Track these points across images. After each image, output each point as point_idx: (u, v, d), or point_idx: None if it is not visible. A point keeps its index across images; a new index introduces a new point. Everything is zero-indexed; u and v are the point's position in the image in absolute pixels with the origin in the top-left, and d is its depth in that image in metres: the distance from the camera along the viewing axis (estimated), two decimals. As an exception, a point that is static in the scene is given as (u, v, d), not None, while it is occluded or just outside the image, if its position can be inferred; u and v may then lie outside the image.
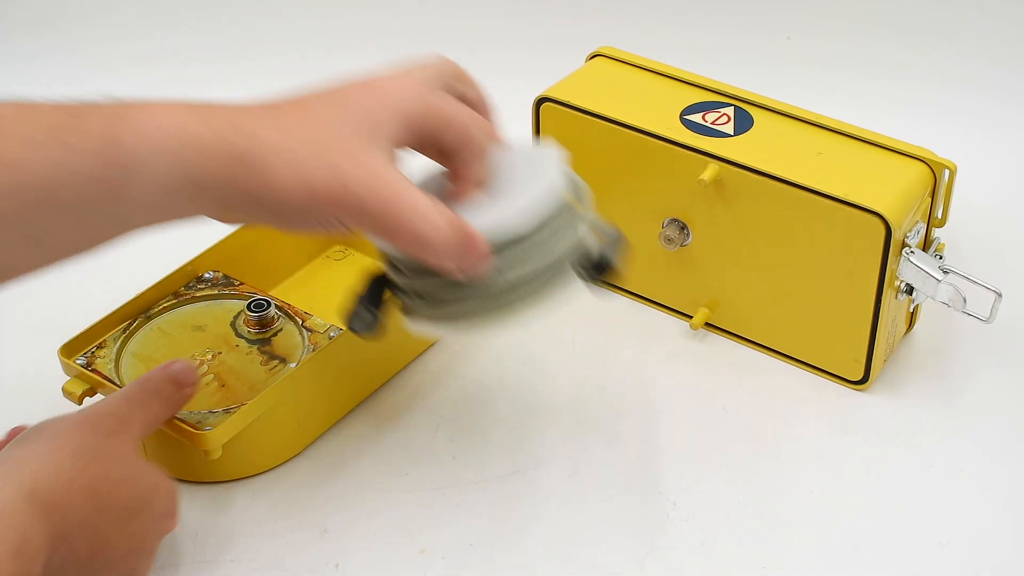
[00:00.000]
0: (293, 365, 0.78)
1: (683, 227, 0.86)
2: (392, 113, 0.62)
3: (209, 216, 0.61)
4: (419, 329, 0.70)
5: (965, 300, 0.79)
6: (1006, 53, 1.13)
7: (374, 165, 0.60)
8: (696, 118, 0.84)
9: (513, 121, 1.02)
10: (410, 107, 0.63)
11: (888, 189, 0.78)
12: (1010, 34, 1.12)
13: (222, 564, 0.72)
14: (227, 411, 0.74)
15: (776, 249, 0.82)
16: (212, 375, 0.78)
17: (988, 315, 0.81)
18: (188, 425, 0.72)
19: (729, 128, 0.83)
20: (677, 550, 0.73)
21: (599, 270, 0.69)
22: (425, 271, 0.66)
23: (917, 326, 0.88)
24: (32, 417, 0.81)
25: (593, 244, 0.69)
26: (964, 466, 0.78)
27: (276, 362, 0.79)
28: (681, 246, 0.86)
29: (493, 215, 0.66)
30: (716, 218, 0.84)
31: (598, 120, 0.85)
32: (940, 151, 0.81)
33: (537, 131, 0.89)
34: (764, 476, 0.77)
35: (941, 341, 0.88)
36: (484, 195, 0.68)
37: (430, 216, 0.61)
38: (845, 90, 1.12)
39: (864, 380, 0.83)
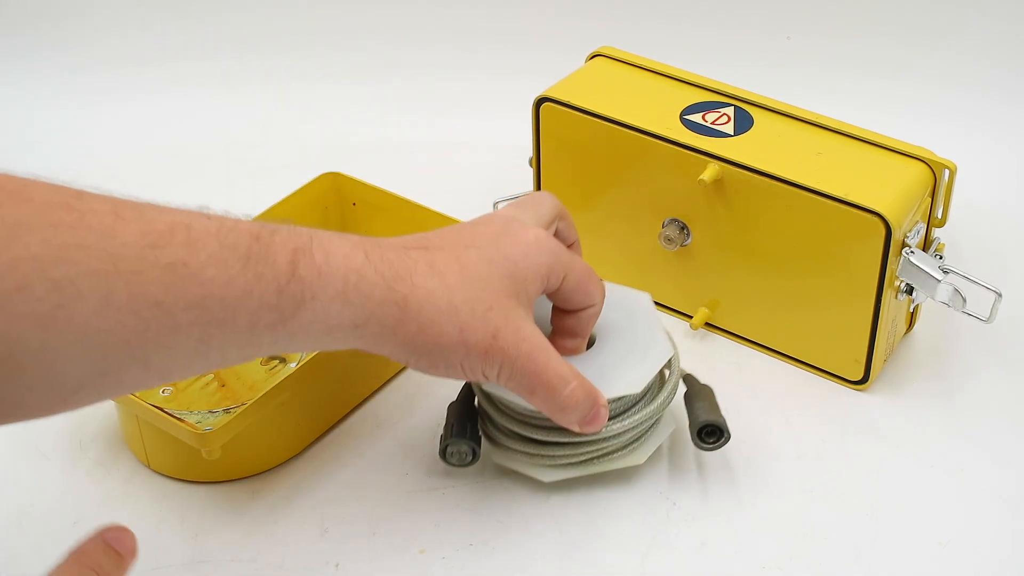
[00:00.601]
0: (293, 365, 0.78)
1: (683, 227, 0.86)
2: (535, 269, 0.67)
3: (354, 348, 0.63)
4: (504, 463, 0.76)
5: (965, 300, 0.79)
6: (1006, 53, 1.12)
7: (524, 326, 0.66)
8: (696, 118, 0.85)
9: (513, 121, 1.03)
10: (547, 263, 0.67)
11: (888, 189, 0.78)
12: (1010, 34, 1.12)
13: (222, 564, 0.72)
14: (227, 411, 0.74)
15: (776, 249, 0.82)
16: (212, 375, 0.78)
17: (988, 315, 0.80)
18: (188, 425, 0.72)
19: (729, 128, 0.84)
20: (677, 550, 0.73)
21: (711, 435, 0.76)
22: (537, 423, 0.73)
23: (917, 326, 0.88)
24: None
25: (701, 410, 0.76)
26: (964, 466, 0.78)
27: (276, 362, 0.79)
28: (681, 246, 0.86)
29: (612, 380, 0.72)
30: (716, 218, 0.84)
31: (598, 120, 0.85)
32: (940, 151, 0.81)
33: (537, 131, 0.89)
34: (764, 476, 0.77)
35: (941, 341, 0.88)
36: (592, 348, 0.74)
37: (571, 384, 0.67)
38: (845, 90, 1.12)
39: (864, 380, 0.83)
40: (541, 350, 0.66)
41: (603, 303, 0.73)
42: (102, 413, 0.81)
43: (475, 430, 0.76)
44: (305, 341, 0.60)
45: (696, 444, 0.76)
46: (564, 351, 0.72)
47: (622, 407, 0.74)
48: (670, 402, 0.76)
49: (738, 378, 0.85)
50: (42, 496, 0.76)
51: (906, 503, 0.76)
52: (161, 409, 0.73)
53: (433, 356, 0.64)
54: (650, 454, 0.76)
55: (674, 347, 0.76)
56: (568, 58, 0.95)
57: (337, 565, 0.72)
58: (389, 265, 0.62)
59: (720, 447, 0.76)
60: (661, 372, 0.77)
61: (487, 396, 0.76)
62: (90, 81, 1.18)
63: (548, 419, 0.71)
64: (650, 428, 0.76)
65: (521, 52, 1.17)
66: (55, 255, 0.50)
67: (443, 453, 0.75)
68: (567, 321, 0.72)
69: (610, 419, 0.73)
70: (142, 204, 0.55)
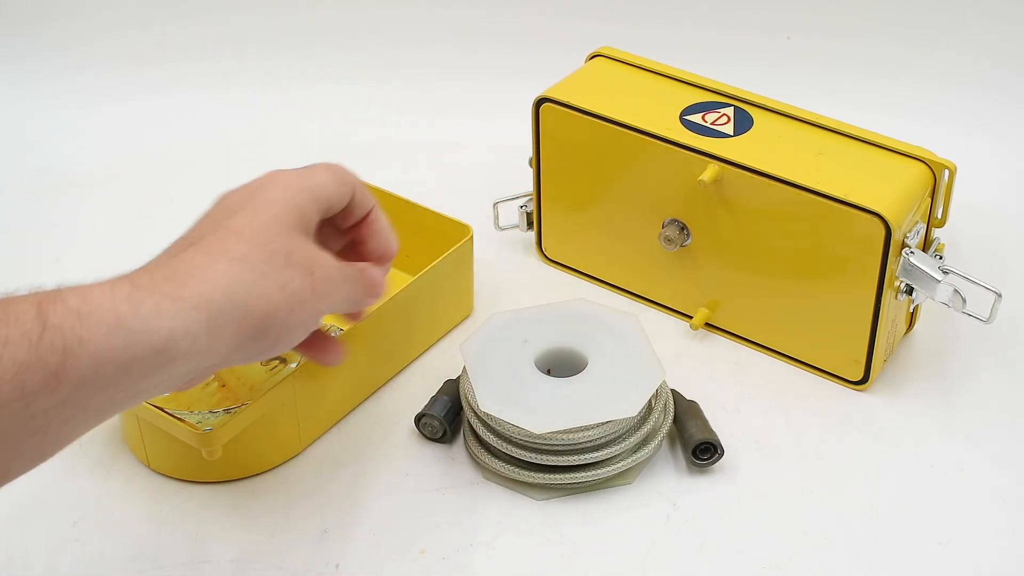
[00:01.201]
0: (294, 365, 0.78)
1: (683, 227, 0.86)
2: (298, 196, 0.63)
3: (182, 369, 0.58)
4: (491, 478, 0.77)
5: (965, 300, 0.79)
6: (1006, 53, 1.12)
7: (319, 251, 0.63)
8: (696, 118, 0.84)
9: (513, 121, 1.03)
10: (312, 186, 0.64)
11: (888, 189, 0.78)
12: (1010, 34, 1.12)
13: (222, 564, 0.72)
14: (228, 411, 0.74)
15: (776, 249, 0.82)
16: (212, 375, 0.78)
17: (988, 315, 0.80)
18: (189, 425, 0.72)
19: (729, 128, 0.83)
20: (677, 550, 0.73)
21: (705, 452, 0.77)
22: (532, 446, 0.74)
23: (917, 326, 0.88)
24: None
25: (694, 428, 0.78)
26: (964, 466, 0.78)
27: (276, 362, 0.79)
28: (681, 246, 0.86)
29: (606, 404, 0.74)
30: (716, 218, 0.84)
31: (598, 120, 0.85)
32: (940, 151, 0.81)
33: (537, 131, 0.89)
34: (764, 476, 0.77)
35: (941, 341, 0.88)
36: (588, 384, 0.76)
37: (360, 275, 0.66)
38: (845, 90, 1.12)
39: (864, 380, 0.83)
40: (344, 261, 0.65)
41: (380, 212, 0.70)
42: (102, 413, 0.81)
43: (454, 414, 0.79)
44: (104, 389, 0.54)
45: (691, 462, 0.77)
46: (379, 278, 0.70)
47: (614, 431, 0.74)
48: (663, 424, 0.77)
49: (738, 378, 0.85)
50: (42, 496, 0.76)
51: (906, 503, 0.76)
52: (162, 409, 0.73)
53: (269, 330, 0.60)
54: (639, 475, 0.77)
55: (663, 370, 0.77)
56: (568, 58, 0.95)
57: (337, 565, 0.72)
58: (165, 279, 0.57)
59: (714, 463, 0.77)
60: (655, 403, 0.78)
61: (480, 419, 0.76)
62: (90, 81, 1.18)
63: (543, 443, 0.73)
64: (640, 449, 0.77)
65: (521, 52, 1.17)
66: None
67: (417, 420, 0.79)
68: (364, 246, 0.70)
69: (603, 444, 0.74)
70: None
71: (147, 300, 0.55)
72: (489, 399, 0.74)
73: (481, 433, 0.76)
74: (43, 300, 0.53)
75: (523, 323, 0.79)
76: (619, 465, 0.76)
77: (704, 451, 0.77)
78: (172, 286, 0.56)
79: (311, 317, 0.62)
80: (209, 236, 0.60)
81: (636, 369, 0.76)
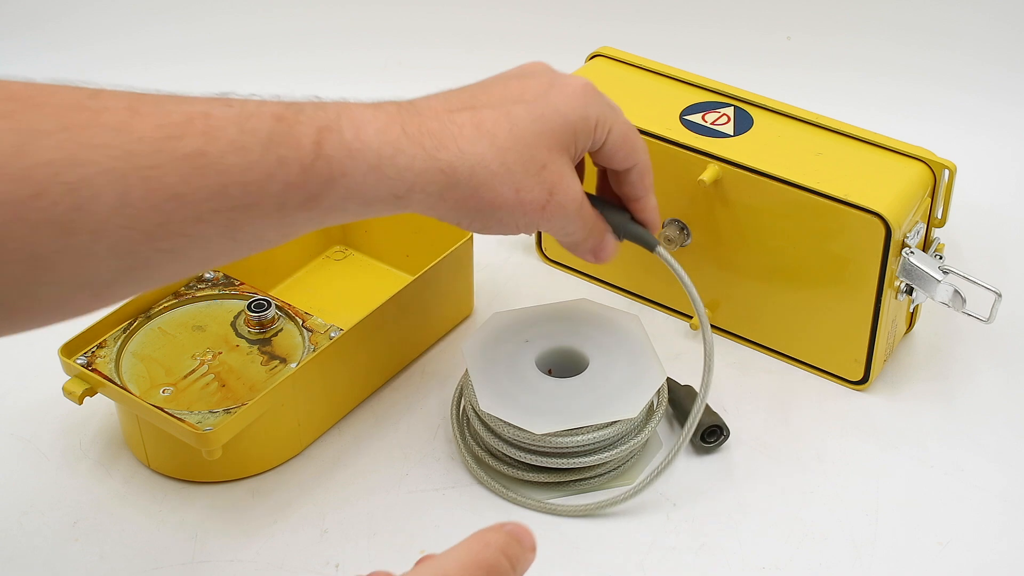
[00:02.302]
0: (294, 365, 0.78)
1: (683, 227, 0.86)
2: (585, 122, 0.67)
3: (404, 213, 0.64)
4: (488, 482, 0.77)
5: (965, 300, 0.79)
6: (1006, 53, 1.12)
7: (575, 182, 0.67)
8: (696, 118, 0.84)
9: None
10: (595, 115, 0.67)
11: (888, 189, 0.78)
12: (1010, 34, 1.12)
13: (222, 564, 0.72)
14: (227, 411, 0.74)
15: (776, 249, 0.82)
16: (212, 375, 0.78)
17: (988, 316, 0.80)
18: (188, 425, 0.72)
19: (729, 128, 0.83)
20: (677, 550, 0.73)
21: (712, 435, 0.79)
22: (534, 449, 0.74)
23: (917, 326, 0.88)
24: (32, 418, 0.81)
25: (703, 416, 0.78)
26: (964, 466, 0.78)
27: (276, 362, 0.79)
28: (681, 246, 0.86)
29: (608, 405, 0.74)
30: (716, 218, 0.84)
31: (598, 120, 0.85)
32: (940, 151, 0.81)
33: (537, 131, 0.89)
34: (764, 476, 0.77)
35: (941, 341, 0.88)
36: (587, 387, 0.75)
37: (595, 228, 0.70)
38: (845, 90, 1.12)
39: (864, 380, 0.83)
40: (583, 200, 0.68)
41: (648, 160, 0.72)
42: (102, 413, 0.81)
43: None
44: (343, 215, 0.60)
45: (699, 445, 0.77)
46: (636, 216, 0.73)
47: (616, 432, 0.74)
48: (658, 423, 0.77)
49: (738, 378, 0.85)
50: (42, 496, 0.76)
51: (906, 503, 0.76)
52: (162, 409, 0.73)
53: (487, 218, 0.65)
54: (640, 476, 0.77)
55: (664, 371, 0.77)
56: (568, 58, 0.95)
57: (337, 565, 0.72)
58: (430, 135, 0.61)
59: (721, 444, 0.77)
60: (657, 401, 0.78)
61: (480, 419, 0.76)
62: (90, 81, 1.18)
63: (543, 445, 0.73)
64: (640, 450, 0.77)
65: (521, 52, 1.17)
66: (69, 158, 0.51)
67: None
68: (622, 189, 0.72)
69: (604, 447, 0.74)
70: (162, 96, 0.55)
71: (407, 150, 0.60)
72: (488, 399, 0.74)
73: (482, 434, 0.76)
74: (323, 128, 0.58)
75: (525, 323, 0.79)
76: (621, 467, 0.76)
77: (711, 434, 0.78)
78: (433, 144, 0.61)
79: (530, 227, 0.67)
80: (488, 109, 0.64)
81: (638, 370, 0.76)
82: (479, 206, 0.64)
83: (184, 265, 0.56)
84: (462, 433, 0.79)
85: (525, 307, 0.81)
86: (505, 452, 0.75)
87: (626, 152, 0.70)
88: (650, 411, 0.77)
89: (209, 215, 0.55)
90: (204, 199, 0.54)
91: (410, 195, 0.61)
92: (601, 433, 0.73)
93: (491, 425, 0.75)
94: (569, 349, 0.78)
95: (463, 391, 0.79)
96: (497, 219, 0.65)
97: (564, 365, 0.78)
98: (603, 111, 0.67)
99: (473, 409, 0.76)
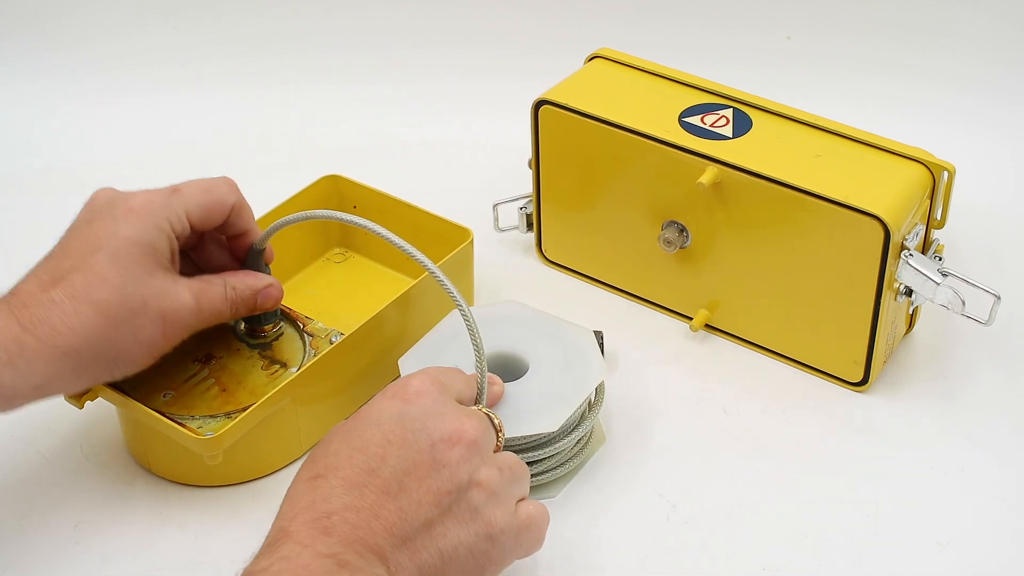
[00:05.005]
0: (294, 370, 0.78)
1: (682, 229, 0.86)
2: (156, 231, 0.71)
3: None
4: None
5: (964, 303, 0.79)
6: (1006, 53, 1.12)
7: (175, 292, 0.71)
8: (695, 120, 0.85)
9: (513, 122, 1.03)
10: (155, 218, 0.71)
11: (887, 191, 0.78)
12: (1010, 34, 1.12)
13: (223, 567, 0.72)
14: (228, 416, 0.74)
15: (775, 251, 0.82)
16: (213, 380, 0.78)
17: (987, 318, 0.81)
18: (189, 430, 0.72)
19: (728, 130, 0.84)
20: (677, 550, 0.73)
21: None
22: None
23: (917, 327, 0.88)
24: (33, 421, 0.81)
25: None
26: (964, 466, 0.78)
27: (277, 367, 0.79)
28: (680, 248, 0.86)
29: (530, 417, 0.73)
30: (715, 220, 0.84)
31: (597, 123, 0.85)
32: (938, 151, 0.81)
33: (536, 134, 0.89)
34: (764, 476, 0.78)
35: (941, 342, 0.88)
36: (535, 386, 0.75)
37: (232, 295, 0.75)
38: (845, 90, 1.12)
39: (864, 382, 0.83)
40: (204, 292, 0.72)
41: (232, 194, 0.75)
42: (104, 417, 0.81)
43: None
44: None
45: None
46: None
47: (544, 440, 0.74)
48: (588, 433, 0.77)
49: (738, 380, 0.85)
50: (44, 500, 0.76)
51: (906, 503, 0.76)
52: (163, 413, 0.73)
53: (122, 364, 0.70)
54: (576, 473, 0.77)
55: (603, 382, 0.76)
56: (568, 59, 0.95)
57: (338, 568, 0.72)
58: (41, 323, 0.66)
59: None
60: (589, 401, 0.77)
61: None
62: (90, 81, 1.18)
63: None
64: (574, 452, 0.77)
65: (520, 53, 1.17)
66: None
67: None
68: (236, 232, 0.76)
69: (529, 451, 0.74)
70: None
71: (29, 345, 0.65)
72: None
73: None
74: None
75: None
76: (543, 477, 0.75)
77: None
78: (46, 332, 0.66)
79: (159, 353, 0.71)
80: (76, 274, 0.68)
81: (570, 383, 0.75)
82: (110, 362, 0.69)
83: None
84: None
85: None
86: None
87: (214, 207, 0.74)
88: (580, 423, 0.76)
89: None
90: None
91: (48, 383, 0.67)
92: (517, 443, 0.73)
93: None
94: (511, 354, 0.78)
95: None
96: (129, 362, 0.70)
97: (506, 370, 0.77)
98: (173, 213, 0.71)
99: None
